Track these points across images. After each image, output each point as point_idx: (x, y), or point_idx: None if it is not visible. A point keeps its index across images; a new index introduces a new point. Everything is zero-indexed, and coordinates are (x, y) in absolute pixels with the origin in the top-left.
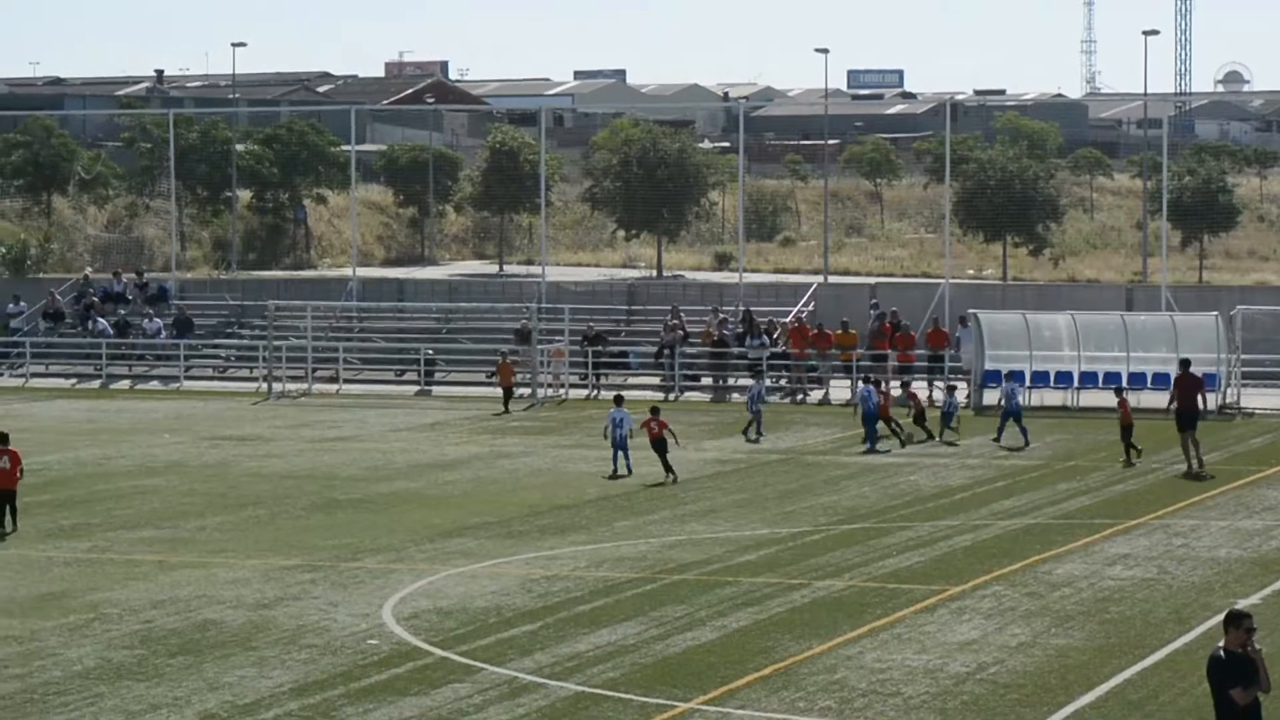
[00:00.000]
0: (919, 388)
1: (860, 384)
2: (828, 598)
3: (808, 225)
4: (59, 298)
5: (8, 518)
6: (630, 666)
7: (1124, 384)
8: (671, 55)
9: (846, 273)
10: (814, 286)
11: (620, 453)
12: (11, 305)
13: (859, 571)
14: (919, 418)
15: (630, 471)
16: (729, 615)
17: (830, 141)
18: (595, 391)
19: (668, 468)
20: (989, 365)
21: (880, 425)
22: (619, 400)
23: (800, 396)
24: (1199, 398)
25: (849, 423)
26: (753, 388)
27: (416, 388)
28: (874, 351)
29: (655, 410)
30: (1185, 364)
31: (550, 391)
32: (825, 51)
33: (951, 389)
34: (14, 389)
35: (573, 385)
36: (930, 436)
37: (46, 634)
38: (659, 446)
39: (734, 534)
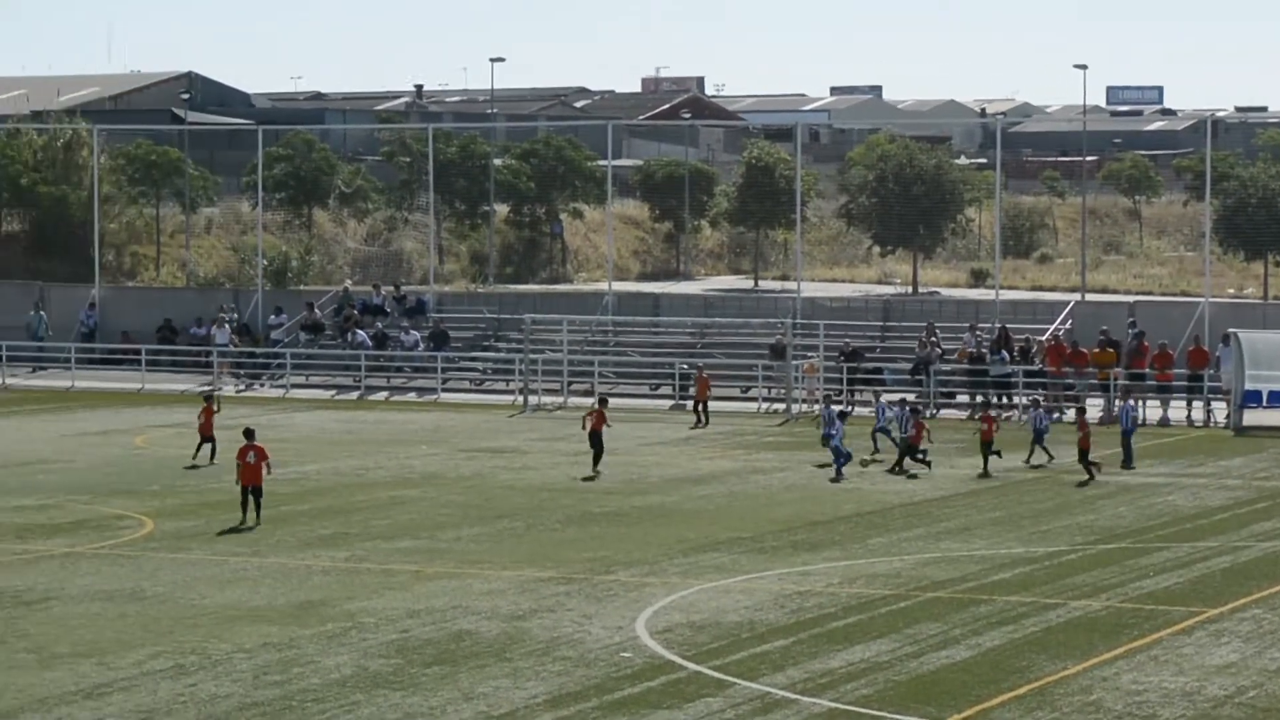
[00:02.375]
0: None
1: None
2: (1083, 618)
3: (1065, 242)
4: (318, 310)
5: (252, 512)
6: (884, 684)
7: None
8: (929, 71)
9: (1104, 290)
10: (1071, 304)
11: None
12: (272, 317)
13: (1115, 592)
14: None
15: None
16: (983, 634)
17: (1088, 158)
18: (850, 408)
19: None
20: (1249, 385)
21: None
22: (829, 400)
23: (1057, 415)
24: None
25: (1110, 441)
26: (825, 411)
27: (671, 402)
28: (1132, 370)
29: (604, 401)
30: None
31: (804, 407)
32: (1084, 68)
33: (1035, 403)
34: (274, 400)
35: (834, 400)
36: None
37: (305, 642)
38: (596, 439)
39: (989, 552)
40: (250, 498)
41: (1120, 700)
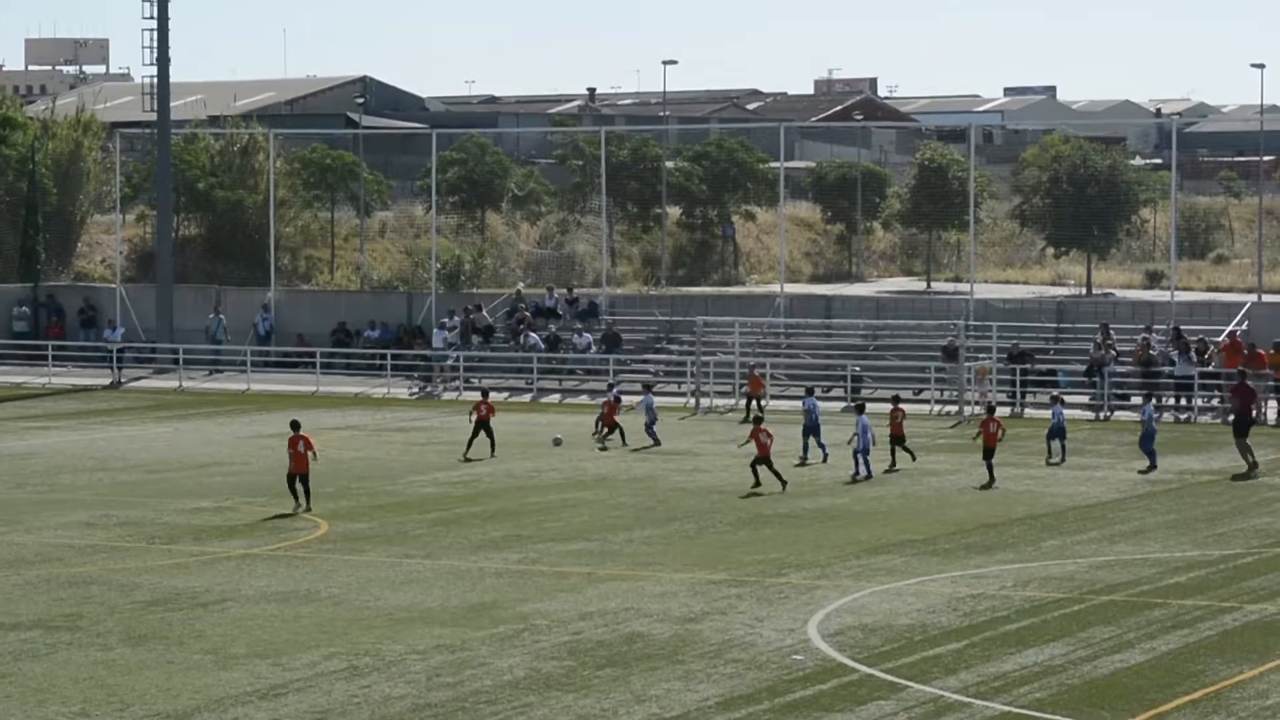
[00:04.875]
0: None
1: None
2: (1260, 621)
3: (1241, 243)
4: (486, 315)
5: (303, 497)
6: (1057, 687)
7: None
8: (1103, 71)
9: None
10: (1247, 305)
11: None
12: (446, 320)
13: None
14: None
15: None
16: (1158, 637)
17: (1265, 158)
18: (1021, 410)
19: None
20: None
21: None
22: (810, 390)
23: (1231, 416)
24: (1253, 406)
25: None
26: (645, 399)
27: (843, 404)
28: None
29: (485, 393)
30: (1243, 375)
31: (977, 410)
32: (1261, 67)
33: (1148, 397)
34: (448, 402)
35: (999, 403)
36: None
37: (477, 643)
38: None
39: (1163, 555)
40: (300, 485)
41: None
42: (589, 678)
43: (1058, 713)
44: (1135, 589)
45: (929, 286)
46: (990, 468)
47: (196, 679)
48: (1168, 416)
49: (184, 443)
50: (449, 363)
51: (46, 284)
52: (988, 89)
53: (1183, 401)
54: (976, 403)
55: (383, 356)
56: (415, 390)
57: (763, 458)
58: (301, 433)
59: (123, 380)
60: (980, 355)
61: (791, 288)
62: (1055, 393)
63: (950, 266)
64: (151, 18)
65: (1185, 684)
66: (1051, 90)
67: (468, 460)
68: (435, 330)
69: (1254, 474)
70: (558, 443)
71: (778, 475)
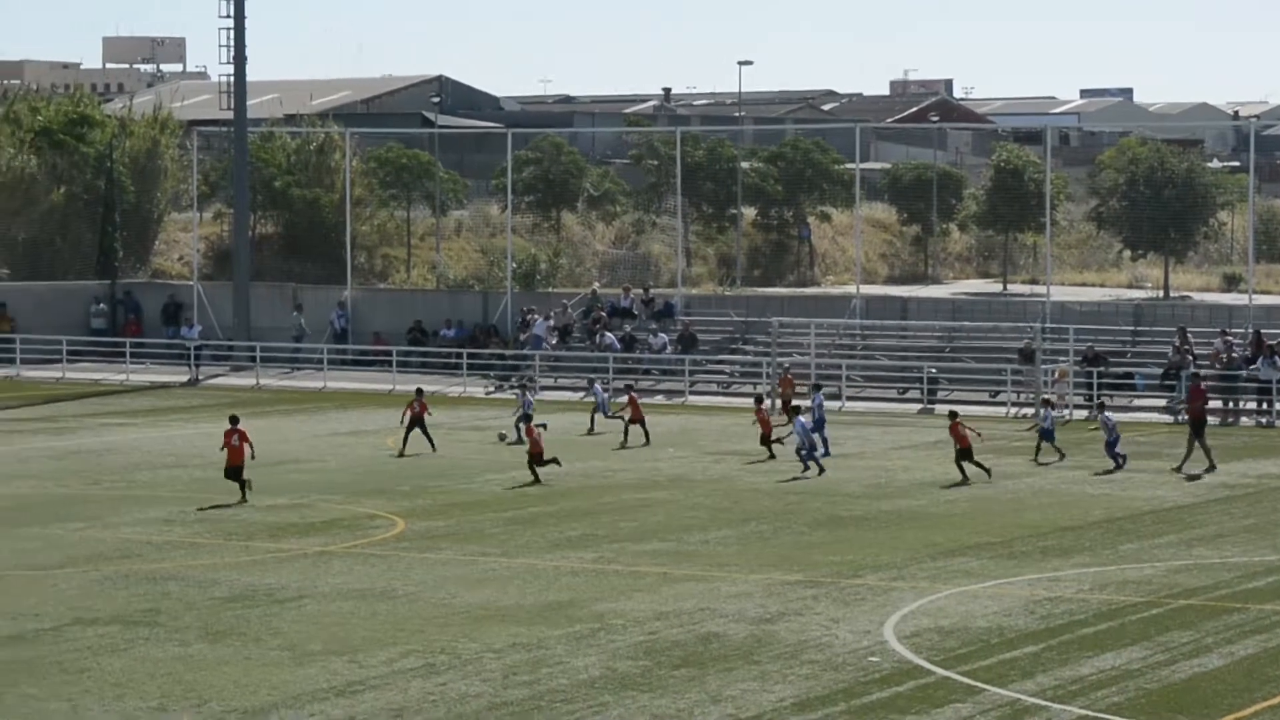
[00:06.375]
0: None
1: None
2: None
3: None
4: (572, 310)
5: (241, 491)
6: (1135, 691)
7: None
8: (1180, 73)
9: None
10: None
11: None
12: (550, 317)
13: None
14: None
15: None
16: (1237, 642)
17: None
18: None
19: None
20: None
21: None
22: (818, 387)
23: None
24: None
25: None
26: (521, 395)
27: (919, 406)
28: None
29: (419, 391)
30: (1196, 377)
31: (1054, 412)
32: None
33: (1046, 403)
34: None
35: (1076, 406)
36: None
37: (553, 642)
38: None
39: (1242, 559)
40: (234, 479)
41: None
42: (664, 677)
43: (1135, 717)
44: (1213, 593)
45: (1005, 289)
46: (963, 469)
47: (273, 675)
48: (1247, 420)
49: (261, 440)
50: (542, 352)
51: (124, 281)
52: (1064, 91)
53: (1264, 405)
54: (1054, 406)
55: (458, 355)
56: (492, 389)
57: (534, 455)
58: (239, 427)
59: (200, 377)
60: (1058, 358)
61: (867, 289)
62: (1045, 395)
63: (1027, 269)
64: (228, 16)
65: (1264, 689)
66: (1128, 92)
67: (403, 455)
68: (537, 320)
69: (1196, 475)
70: (502, 438)
71: (534, 473)
